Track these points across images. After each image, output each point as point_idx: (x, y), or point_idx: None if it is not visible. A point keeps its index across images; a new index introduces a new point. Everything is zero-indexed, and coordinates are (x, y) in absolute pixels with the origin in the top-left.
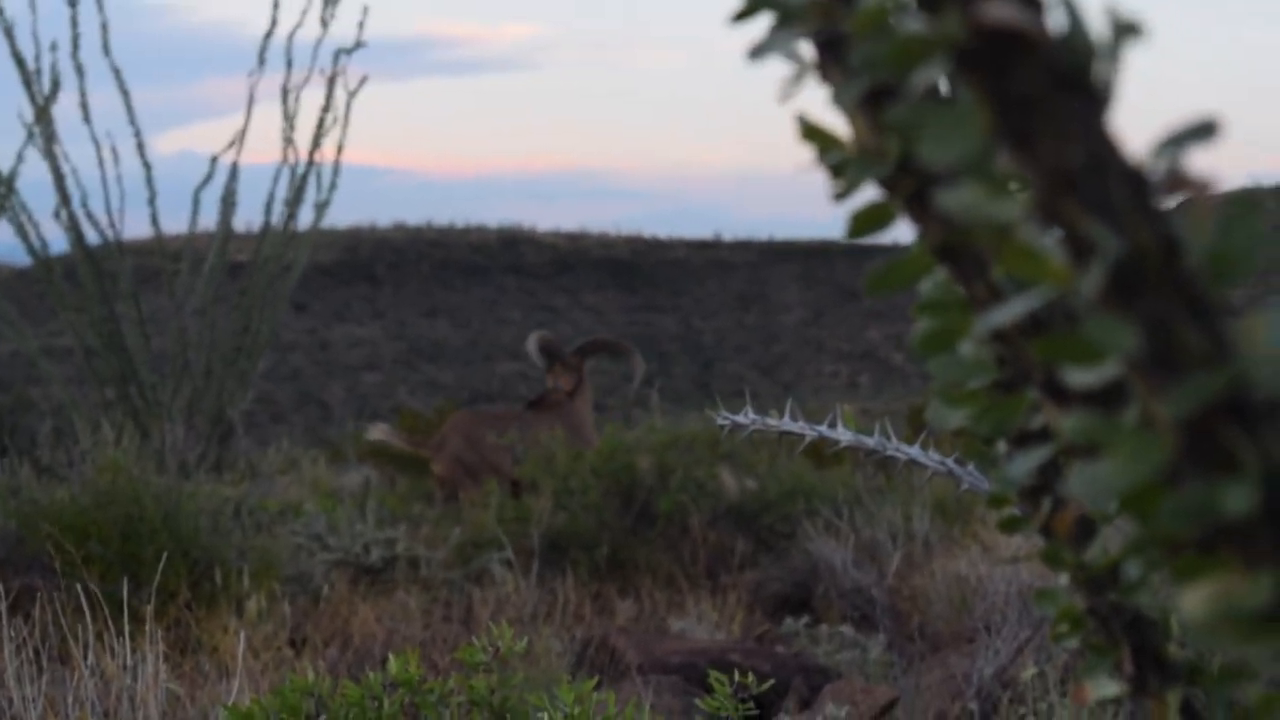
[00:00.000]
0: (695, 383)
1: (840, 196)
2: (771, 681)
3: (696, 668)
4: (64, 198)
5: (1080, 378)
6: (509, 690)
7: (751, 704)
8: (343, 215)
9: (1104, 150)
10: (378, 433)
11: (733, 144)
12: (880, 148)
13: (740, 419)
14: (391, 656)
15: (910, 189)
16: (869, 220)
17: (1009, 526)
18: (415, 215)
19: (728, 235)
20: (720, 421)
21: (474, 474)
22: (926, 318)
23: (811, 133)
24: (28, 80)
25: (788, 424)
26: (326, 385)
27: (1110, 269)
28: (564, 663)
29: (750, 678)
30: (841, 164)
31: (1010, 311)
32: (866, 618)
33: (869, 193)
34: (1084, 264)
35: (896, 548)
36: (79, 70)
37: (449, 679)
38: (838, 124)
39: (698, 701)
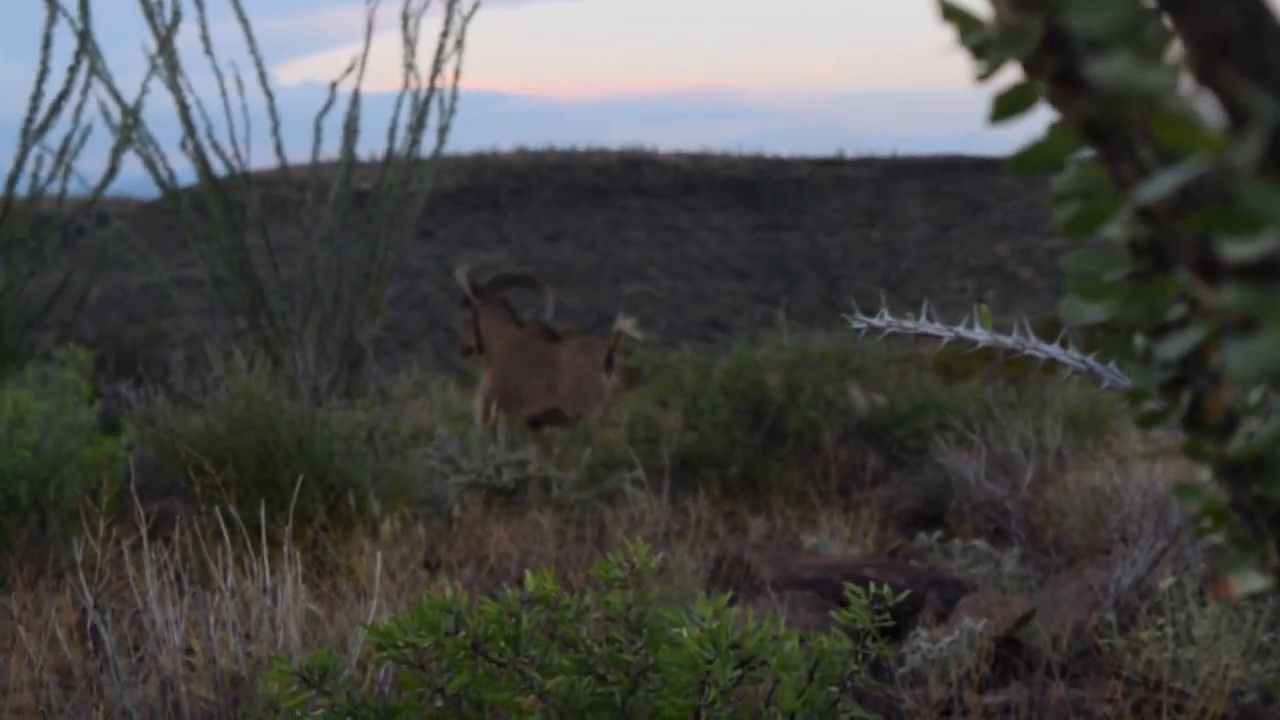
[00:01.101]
0: (822, 300)
1: (983, 78)
2: (907, 593)
3: (831, 583)
4: (189, 129)
5: (1237, 251)
6: (645, 605)
7: (887, 615)
8: (465, 142)
9: (1259, 12)
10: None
11: (854, 60)
12: (1022, 25)
13: (875, 321)
14: (528, 573)
15: (1055, 67)
16: (1012, 103)
17: (1148, 422)
18: (537, 140)
19: (850, 152)
20: (855, 325)
21: (509, 398)
22: (1069, 203)
23: (951, 13)
24: (149, 12)
25: (924, 325)
26: (454, 311)
27: (1268, 136)
28: (698, 580)
29: (886, 590)
30: (983, 44)
31: (1163, 184)
32: (1000, 532)
33: (1011, 74)
34: (1240, 132)
35: (1029, 461)
36: (199, 2)
37: (585, 595)
38: (978, 4)
39: (833, 614)
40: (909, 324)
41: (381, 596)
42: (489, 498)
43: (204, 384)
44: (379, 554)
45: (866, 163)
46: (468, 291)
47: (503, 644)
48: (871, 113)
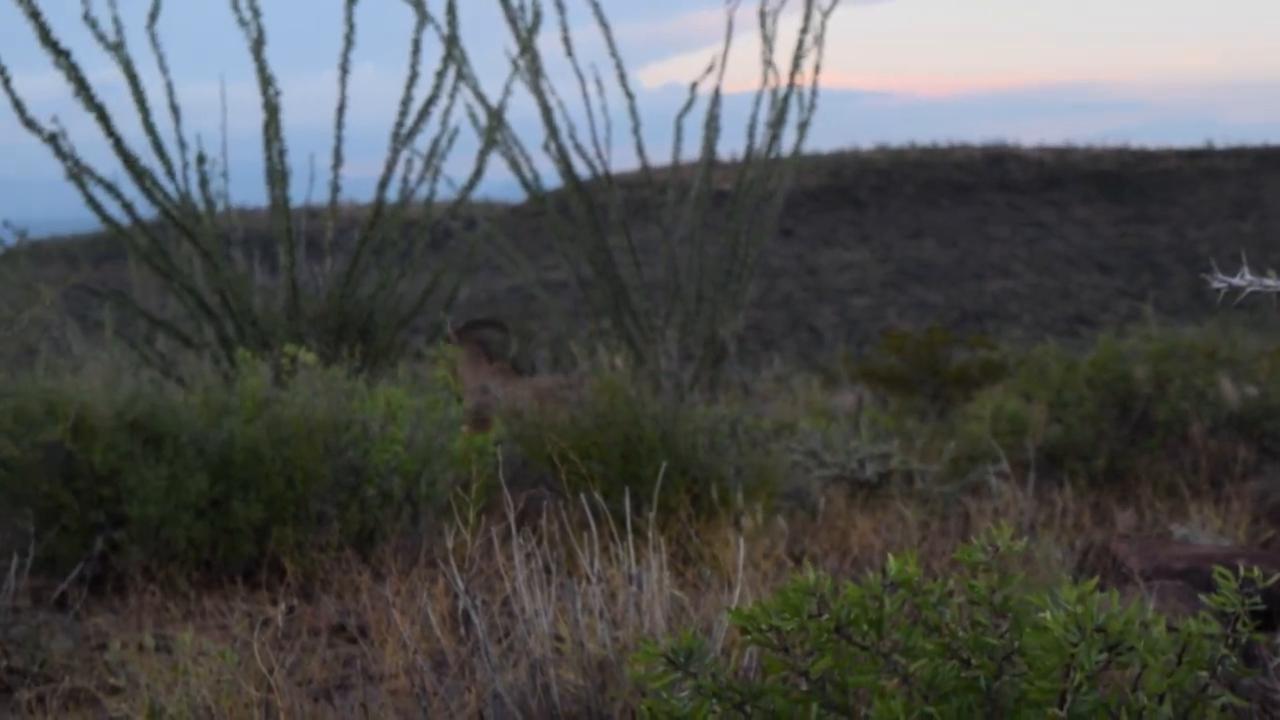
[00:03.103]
0: (1191, 294)
1: None
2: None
3: (1202, 573)
4: (552, 131)
5: None
6: (1009, 590)
7: (1258, 600)
8: (825, 140)
9: None
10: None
11: (1222, 49)
12: None
13: (1236, 281)
14: (890, 557)
15: None
16: None
17: None
18: (897, 137)
19: (1219, 142)
20: (1215, 284)
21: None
22: None
23: None
24: (511, 17)
25: None
26: (816, 310)
27: None
28: (1064, 569)
29: (1256, 573)
30: None
31: None
32: None
33: None
34: None
35: None
36: (560, 6)
37: (948, 579)
38: None
39: (1204, 598)
40: (1271, 282)
41: (745, 584)
42: (852, 491)
43: (569, 380)
44: (742, 543)
45: (1237, 153)
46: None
47: (866, 627)
48: (1245, 103)
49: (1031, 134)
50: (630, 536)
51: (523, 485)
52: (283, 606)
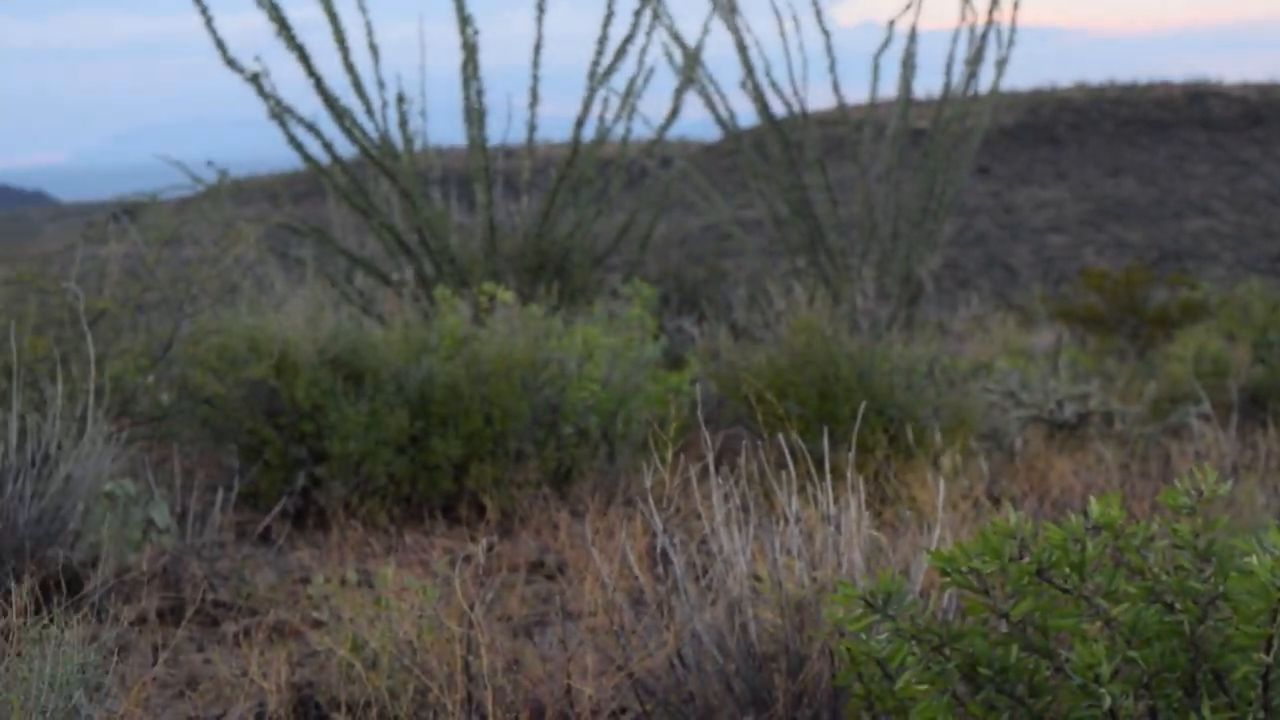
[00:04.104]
0: None
1: None
2: None
3: None
4: (748, 69)
5: None
6: (1213, 534)
7: None
8: (1023, 78)
9: None
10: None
11: None
12: None
13: None
14: (1092, 500)
15: None
16: None
17: None
18: (1096, 74)
19: None
20: None
21: None
22: None
23: None
24: None
25: None
26: (1012, 248)
27: None
28: (1269, 513)
29: None
30: None
31: None
32: None
33: None
34: None
35: None
36: None
37: (1151, 522)
38: None
39: None
40: None
41: (944, 525)
42: (1049, 432)
43: (765, 319)
44: (941, 484)
45: None
46: None
47: (1068, 570)
48: None
49: (1234, 71)
50: (828, 477)
51: (719, 425)
52: (483, 543)
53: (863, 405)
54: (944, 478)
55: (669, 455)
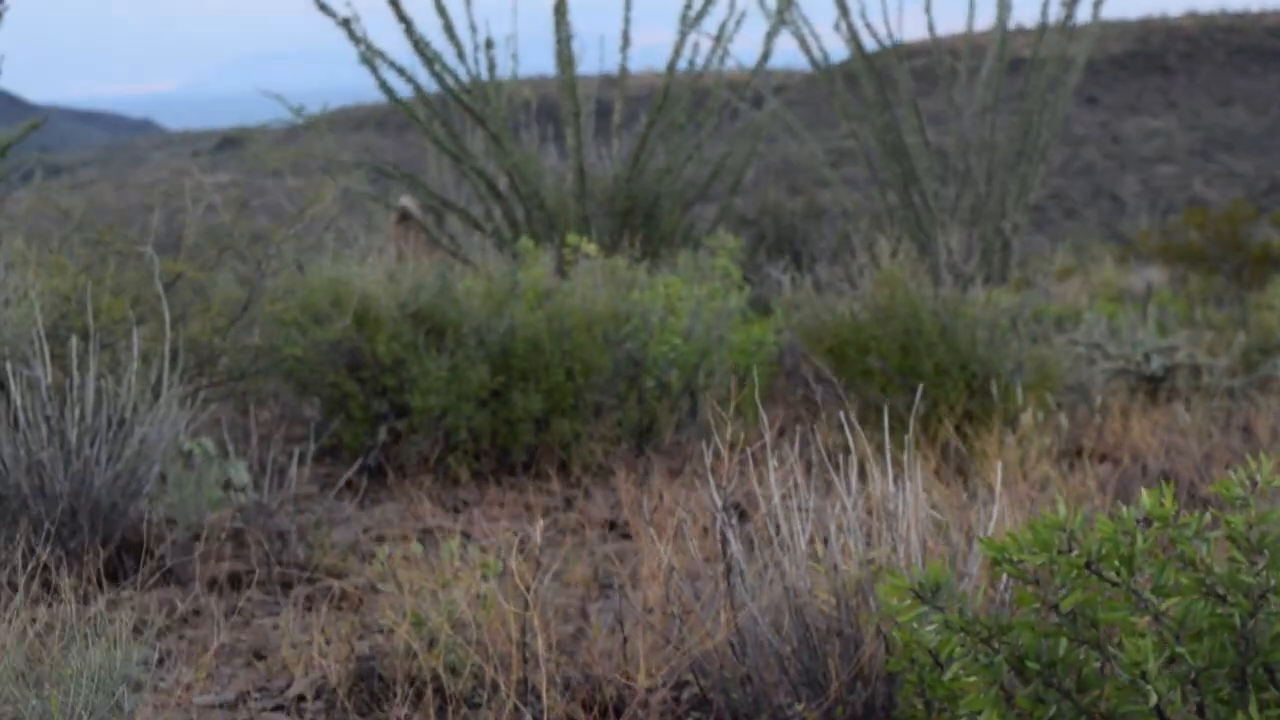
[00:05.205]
0: None
1: None
2: None
3: None
4: (843, 9)
5: None
6: (1267, 525)
7: None
8: (1133, 6)
9: None
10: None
11: None
12: None
13: None
14: (1143, 492)
15: None
16: None
17: None
18: (1207, 2)
19: None
20: None
21: None
22: None
23: None
24: None
25: None
26: (1119, 178)
27: None
28: None
29: None
30: None
31: None
32: None
33: None
34: None
35: None
36: None
37: (1204, 514)
38: None
39: None
40: None
41: (1005, 501)
42: (1135, 385)
43: (849, 272)
44: (999, 462)
45: None
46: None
47: (1117, 563)
48: None
49: None
50: (887, 456)
51: (801, 379)
52: (539, 523)
53: (944, 361)
54: (1021, 436)
55: (742, 418)
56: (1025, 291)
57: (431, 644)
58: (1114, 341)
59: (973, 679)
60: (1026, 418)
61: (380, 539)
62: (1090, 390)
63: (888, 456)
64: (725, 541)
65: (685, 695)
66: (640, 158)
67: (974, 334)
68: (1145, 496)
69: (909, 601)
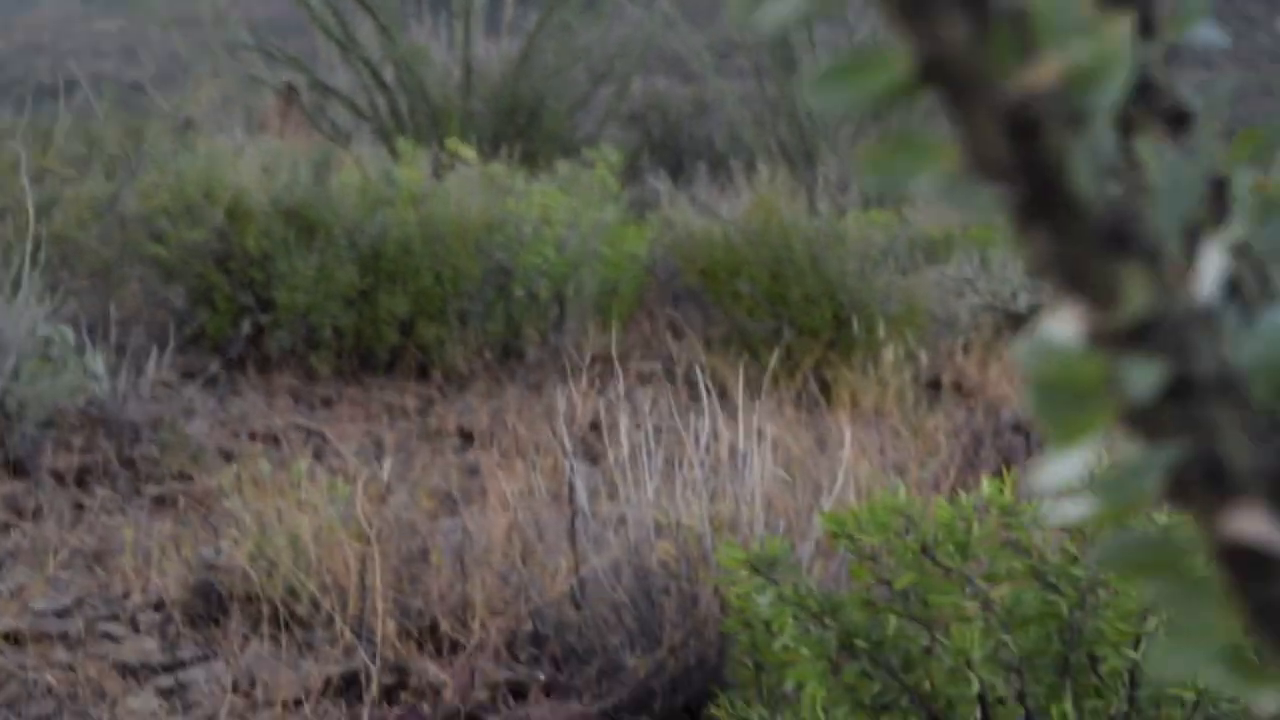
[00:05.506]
0: None
1: None
2: None
3: None
4: None
5: None
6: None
7: None
8: None
9: None
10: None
11: None
12: None
13: None
14: (985, 479)
15: None
16: None
17: None
18: None
19: None
20: None
21: None
22: None
23: None
24: None
25: None
26: None
27: None
28: None
29: None
30: None
31: None
32: None
33: None
34: None
35: None
36: None
37: (1043, 501)
38: None
39: None
40: None
41: (854, 452)
42: (1002, 322)
43: (725, 193)
44: (846, 415)
45: None
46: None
47: (952, 549)
48: None
49: None
50: (739, 405)
51: (671, 292)
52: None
53: (813, 290)
54: (882, 378)
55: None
56: (900, 217)
57: (270, 573)
58: (984, 275)
59: (803, 650)
60: (888, 354)
61: (235, 434)
62: (957, 323)
63: (739, 405)
64: (572, 489)
65: (521, 631)
66: (529, 55)
67: (844, 265)
68: (986, 484)
69: (745, 573)
